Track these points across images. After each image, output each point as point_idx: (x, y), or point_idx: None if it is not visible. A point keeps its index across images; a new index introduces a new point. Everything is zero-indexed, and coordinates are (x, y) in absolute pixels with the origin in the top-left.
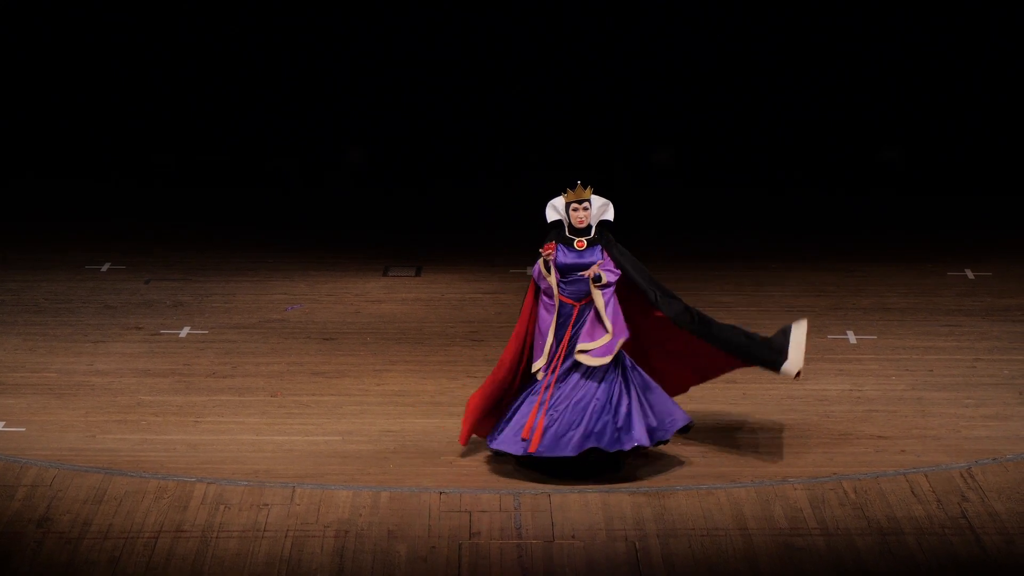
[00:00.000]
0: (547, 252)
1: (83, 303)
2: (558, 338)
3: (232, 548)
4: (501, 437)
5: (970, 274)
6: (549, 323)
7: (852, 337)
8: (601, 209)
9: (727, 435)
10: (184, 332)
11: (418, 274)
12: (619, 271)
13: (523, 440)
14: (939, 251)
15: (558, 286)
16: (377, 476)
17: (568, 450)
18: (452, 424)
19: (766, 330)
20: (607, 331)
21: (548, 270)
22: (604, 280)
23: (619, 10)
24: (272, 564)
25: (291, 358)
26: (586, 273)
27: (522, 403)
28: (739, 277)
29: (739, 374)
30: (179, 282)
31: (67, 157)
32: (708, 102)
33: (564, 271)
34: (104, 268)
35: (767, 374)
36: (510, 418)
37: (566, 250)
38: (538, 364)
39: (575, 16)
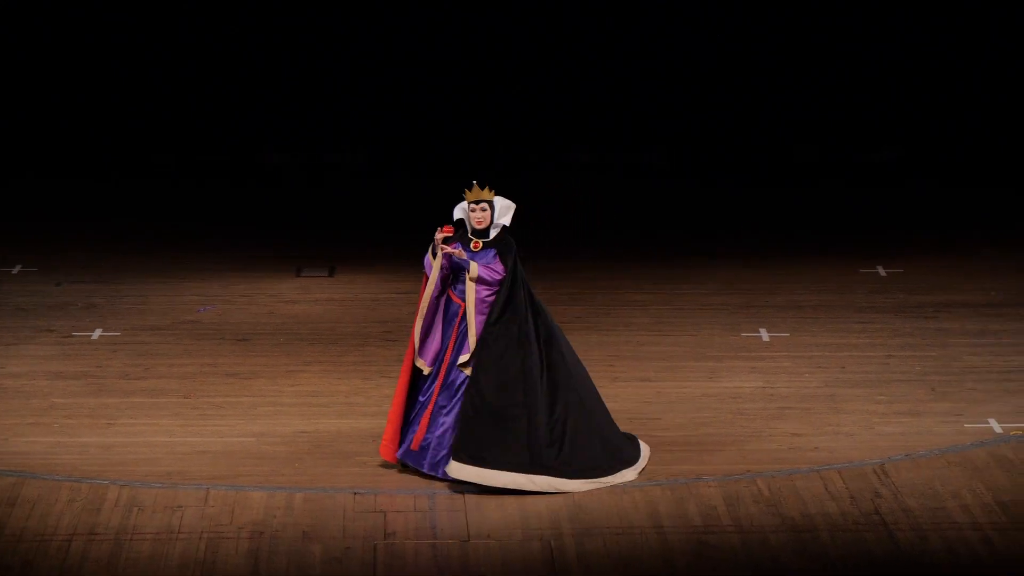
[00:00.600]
0: (441, 233)
1: None
2: (445, 337)
3: (146, 551)
4: (403, 448)
5: (882, 271)
6: (436, 321)
7: (765, 334)
8: (504, 212)
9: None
10: (96, 334)
11: (331, 274)
12: (500, 273)
13: (414, 451)
14: (851, 248)
15: (447, 283)
16: (291, 477)
17: (440, 472)
18: (366, 424)
19: (679, 329)
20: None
21: (434, 255)
22: (475, 274)
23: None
24: (187, 566)
25: (204, 359)
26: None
27: (420, 410)
28: (653, 275)
29: (652, 372)
30: (91, 284)
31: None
32: (625, 100)
33: (457, 270)
34: (15, 270)
35: (683, 372)
36: (411, 426)
37: (464, 250)
38: (421, 362)
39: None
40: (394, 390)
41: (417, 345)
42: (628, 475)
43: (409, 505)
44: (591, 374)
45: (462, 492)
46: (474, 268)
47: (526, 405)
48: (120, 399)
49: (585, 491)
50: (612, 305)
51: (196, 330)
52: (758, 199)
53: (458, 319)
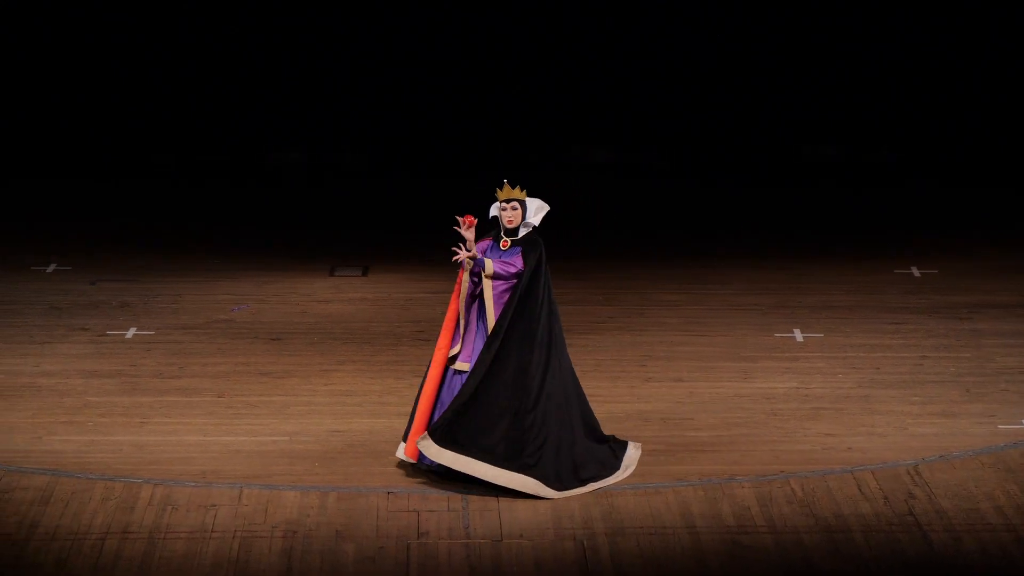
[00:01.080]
0: (465, 227)
1: (29, 304)
2: (479, 335)
3: (180, 549)
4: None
5: (916, 272)
6: (470, 312)
7: (799, 335)
8: (535, 212)
9: (674, 434)
10: (131, 333)
11: (365, 274)
12: (516, 267)
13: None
14: (886, 248)
15: (474, 279)
16: (325, 476)
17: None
18: (400, 424)
19: (712, 330)
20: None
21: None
22: (490, 271)
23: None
24: (220, 565)
25: (238, 358)
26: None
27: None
28: (686, 276)
29: (685, 372)
30: (125, 283)
31: (11, 157)
32: (650, 99)
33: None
34: (50, 269)
35: (717, 373)
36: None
37: (495, 248)
38: (455, 350)
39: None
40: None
41: (460, 344)
42: (582, 490)
43: (442, 505)
44: (624, 375)
45: (495, 493)
46: (488, 265)
47: (514, 404)
48: (154, 398)
49: (553, 497)
50: (644, 305)
51: (230, 329)
52: (789, 198)
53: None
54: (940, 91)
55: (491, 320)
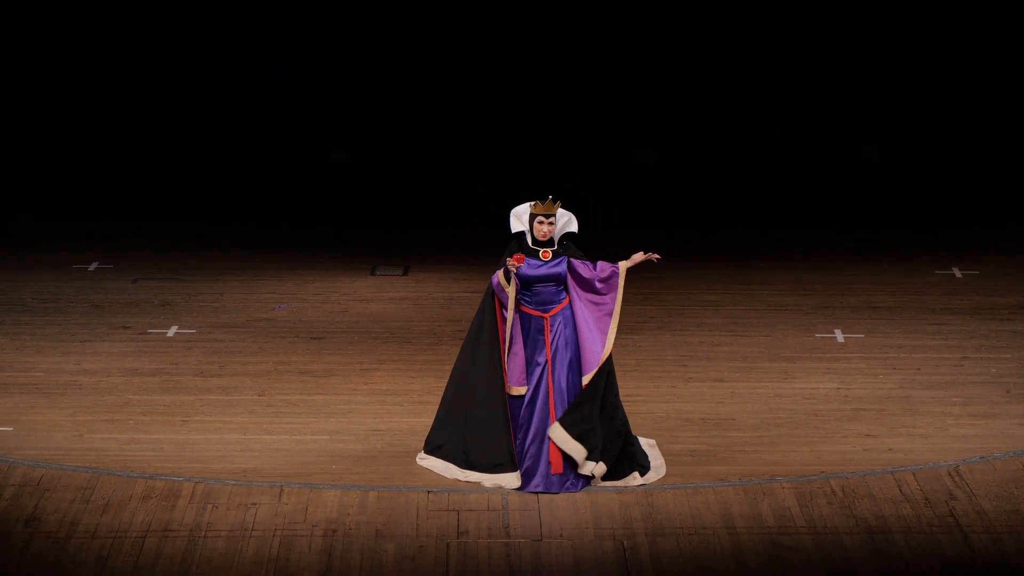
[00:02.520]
0: (515, 263)
1: (70, 302)
2: (537, 354)
3: (220, 548)
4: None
5: (958, 273)
6: (517, 340)
7: (840, 335)
8: (565, 222)
9: (714, 434)
10: (172, 331)
11: (405, 273)
12: (610, 270)
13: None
14: (927, 250)
15: (520, 298)
16: (365, 475)
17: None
18: None
19: (753, 330)
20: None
21: (508, 281)
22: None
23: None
24: (260, 564)
25: (279, 357)
26: (651, 256)
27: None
28: (726, 276)
29: (726, 372)
30: (167, 281)
31: (53, 157)
32: (696, 101)
33: (529, 282)
34: (92, 267)
35: (757, 373)
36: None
37: (531, 261)
38: (519, 390)
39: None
40: None
41: (508, 372)
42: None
43: (482, 504)
44: (665, 375)
45: (535, 492)
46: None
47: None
48: (195, 396)
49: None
50: (685, 305)
51: (270, 328)
52: (830, 198)
53: (545, 333)
54: (986, 95)
55: (611, 336)
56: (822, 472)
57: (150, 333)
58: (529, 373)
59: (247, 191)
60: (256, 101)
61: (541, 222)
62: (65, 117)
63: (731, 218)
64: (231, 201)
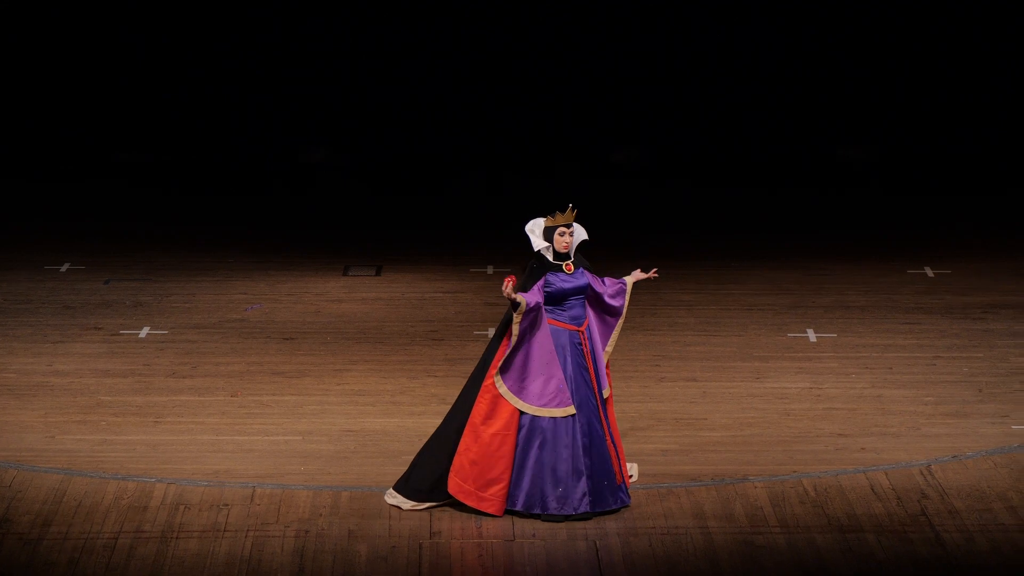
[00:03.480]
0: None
1: (42, 303)
2: (582, 369)
3: (192, 548)
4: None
5: (930, 272)
6: (554, 362)
7: (812, 335)
8: (581, 232)
9: (687, 433)
10: (144, 332)
11: (378, 273)
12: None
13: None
14: (899, 249)
15: (552, 314)
16: (337, 476)
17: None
18: (412, 423)
19: (726, 330)
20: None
21: (516, 308)
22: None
23: (565, 11)
24: (232, 564)
25: (251, 358)
26: (651, 274)
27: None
28: (699, 276)
29: (698, 372)
30: (139, 282)
31: (24, 157)
32: (670, 102)
33: (563, 297)
34: (63, 268)
35: (729, 373)
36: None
37: (559, 276)
38: (568, 410)
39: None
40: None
41: (546, 394)
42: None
43: (455, 504)
44: (637, 375)
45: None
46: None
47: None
48: (167, 397)
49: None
50: (657, 305)
51: (243, 329)
52: (803, 199)
53: (583, 347)
54: (957, 95)
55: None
56: (794, 471)
57: (122, 334)
58: (573, 390)
59: (220, 192)
60: (230, 100)
61: (563, 233)
62: (34, 117)
63: (704, 218)
64: (203, 202)
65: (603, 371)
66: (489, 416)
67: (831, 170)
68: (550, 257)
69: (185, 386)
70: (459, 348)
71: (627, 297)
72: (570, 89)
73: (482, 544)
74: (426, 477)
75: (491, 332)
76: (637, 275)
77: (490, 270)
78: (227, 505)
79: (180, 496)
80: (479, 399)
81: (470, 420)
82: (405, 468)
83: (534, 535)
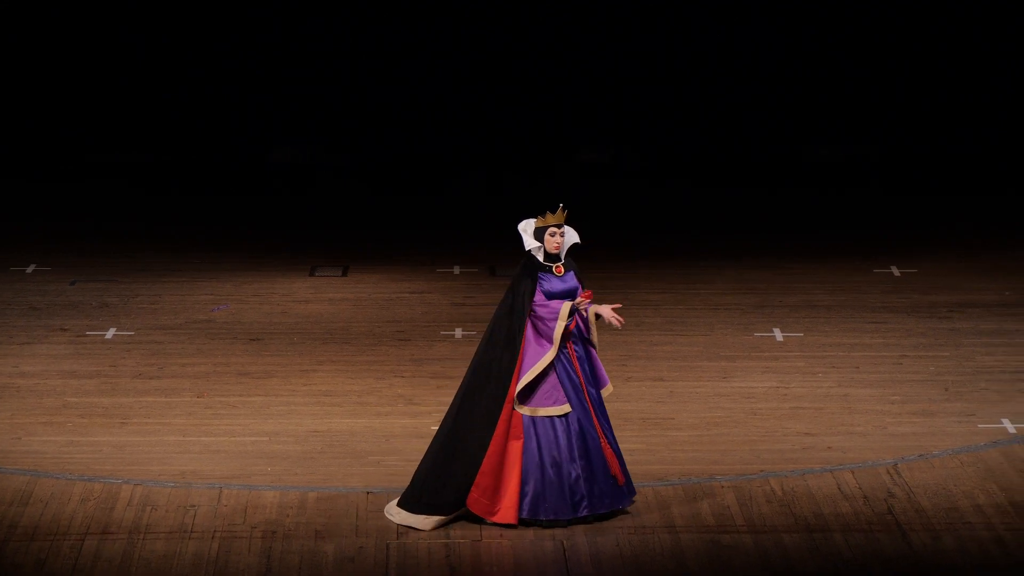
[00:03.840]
0: (585, 299)
1: (8, 304)
2: (570, 370)
3: (159, 549)
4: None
5: (896, 271)
6: (549, 361)
7: (779, 334)
8: (569, 235)
9: (654, 433)
10: (110, 333)
11: (345, 274)
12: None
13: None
14: (866, 248)
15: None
16: (304, 476)
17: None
18: (379, 424)
19: (693, 329)
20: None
21: (570, 315)
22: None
23: (543, 11)
24: (199, 565)
25: (217, 359)
26: (582, 308)
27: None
28: (666, 276)
29: (665, 371)
30: (105, 283)
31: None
32: (640, 102)
33: (549, 299)
34: (29, 270)
35: (696, 372)
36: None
37: (550, 278)
38: (563, 408)
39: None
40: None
41: (542, 394)
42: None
43: None
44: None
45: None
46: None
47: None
48: (133, 398)
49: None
50: (625, 304)
51: (209, 329)
52: (770, 198)
53: (570, 348)
54: (924, 95)
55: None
56: (761, 471)
57: (88, 335)
58: (564, 390)
59: (185, 192)
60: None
61: (553, 234)
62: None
63: (670, 218)
64: (169, 202)
65: (599, 370)
66: (509, 428)
67: (798, 170)
68: (540, 257)
69: (151, 387)
70: (426, 348)
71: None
72: (540, 88)
73: (449, 544)
74: (441, 492)
75: (459, 333)
76: (604, 310)
77: (456, 270)
78: (194, 506)
79: (147, 497)
80: (503, 414)
81: (496, 436)
82: (372, 467)
83: (501, 535)
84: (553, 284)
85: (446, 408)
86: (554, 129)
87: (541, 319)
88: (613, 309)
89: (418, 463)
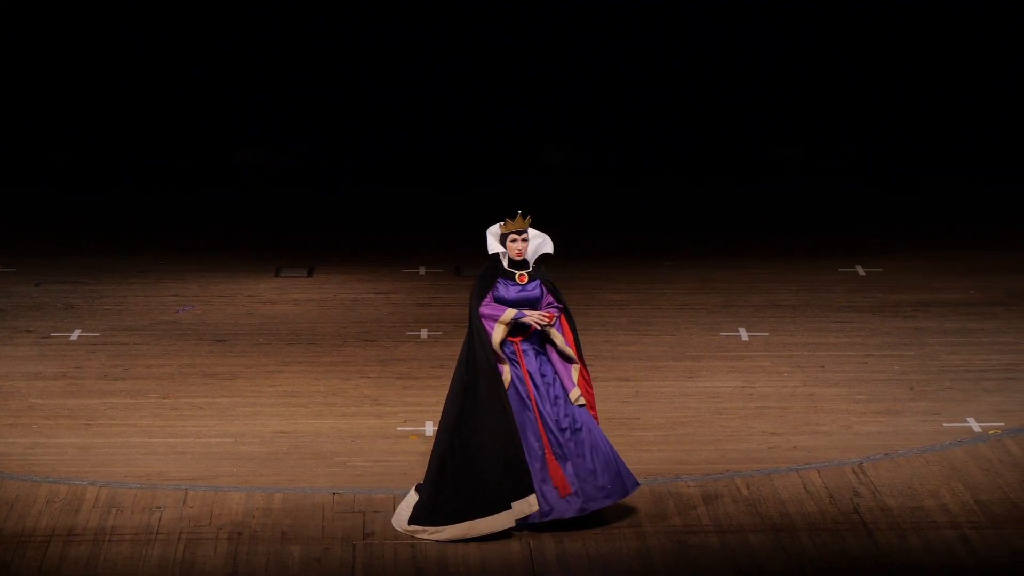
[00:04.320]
0: (537, 317)
1: None
2: (517, 381)
3: (125, 552)
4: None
5: (861, 271)
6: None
7: (744, 334)
8: (539, 242)
9: (619, 433)
10: (75, 335)
11: (310, 275)
12: (560, 304)
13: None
14: (831, 247)
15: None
16: (270, 477)
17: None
18: (345, 424)
19: (658, 329)
20: (575, 361)
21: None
22: (551, 324)
23: (500, 11)
24: (165, 567)
25: (183, 360)
26: (535, 324)
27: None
28: (630, 275)
29: (631, 371)
30: (70, 284)
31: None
32: (603, 101)
33: (508, 306)
34: None
35: (662, 372)
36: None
37: (508, 284)
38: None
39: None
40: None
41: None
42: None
43: (388, 505)
44: None
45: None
46: (558, 339)
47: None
48: (99, 400)
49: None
50: (590, 304)
51: (175, 331)
52: (734, 198)
53: (520, 359)
54: (887, 95)
55: (572, 354)
56: (727, 471)
57: (53, 336)
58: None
59: (150, 193)
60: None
61: (514, 240)
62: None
63: (636, 217)
64: (134, 203)
65: (565, 379)
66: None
67: (762, 168)
68: (504, 263)
69: (117, 388)
70: (391, 349)
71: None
72: (504, 88)
73: (415, 545)
74: (453, 499)
75: (424, 333)
76: (531, 317)
77: (422, 271)
78: (159, 507)
79: (112, 499)
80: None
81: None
82: (338, 468)
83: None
84: (509, 291)
85: (413, 408)
86: (506, 130)
87: (485, 319)
88: (541, 316)
89: (384, 464)
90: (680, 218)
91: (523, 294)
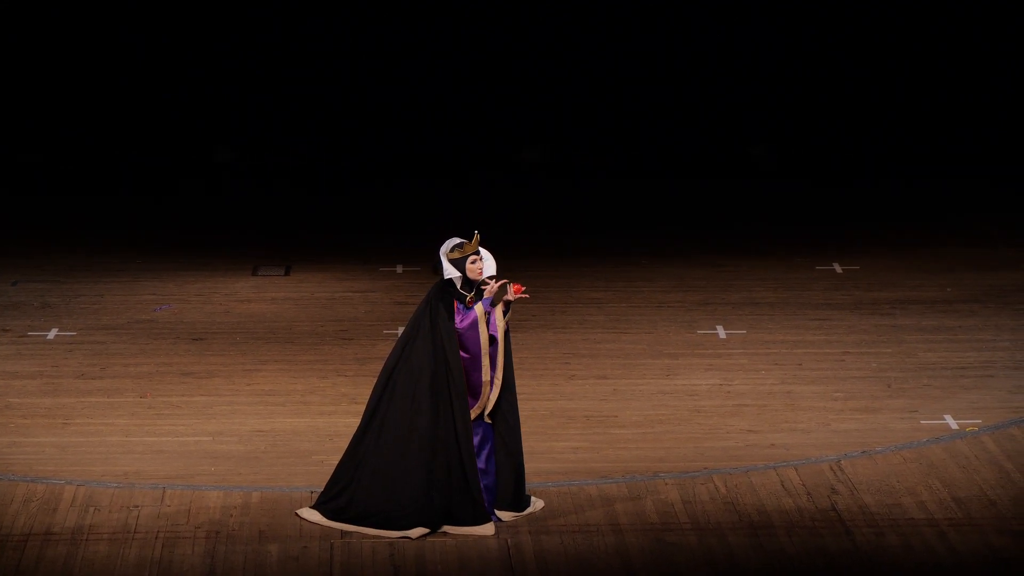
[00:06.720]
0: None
1: None
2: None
3: (102, 551)
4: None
5: (838, 268)
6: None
7: (722, 332)
8: (489, 263)
9: (598, 431)
10: (52, 334)
11: (287, 273)
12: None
13: None
14: (808, 245)
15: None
16: (248, 476)
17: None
18: (323, 423)
19: (636, 327)
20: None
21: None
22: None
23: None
24: (143, 566)
25: (160, 359)
26: (488, 290)
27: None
28: (608, 273)
29: (609, 369)
30: (47, 283)
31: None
32: (580, 99)
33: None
34: None
35: (640, 370)
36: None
37: (461, 309)
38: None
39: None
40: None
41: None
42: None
43: None
44: (548, 373)
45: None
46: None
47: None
48: (76, 399)
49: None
50: (568, 303)
51: (152, 329)
52: (712, 195)
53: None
54: (864, 94)
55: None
56: (705, 468)
57: (30, 335)
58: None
59: (128, 192)
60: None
61: (474, 261)
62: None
63: (613, 215)
64: (111, 202)
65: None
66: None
67: (740, 166)
68: (458, 285)
69: (94, 387)
70: (369, 347)
71: (498, 327)
72: (480, 87)
73: (393, 544)
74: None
75: (401, 332)
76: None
77: (399, 269)
78: (137, 506)
79: (90, 498)
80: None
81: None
82: (316, 467)
83: (445, 533)
84: (464, 316)
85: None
86: (484, 128)
87: (463, 331)
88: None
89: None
90: (658, 216)
91: (471, 318)
